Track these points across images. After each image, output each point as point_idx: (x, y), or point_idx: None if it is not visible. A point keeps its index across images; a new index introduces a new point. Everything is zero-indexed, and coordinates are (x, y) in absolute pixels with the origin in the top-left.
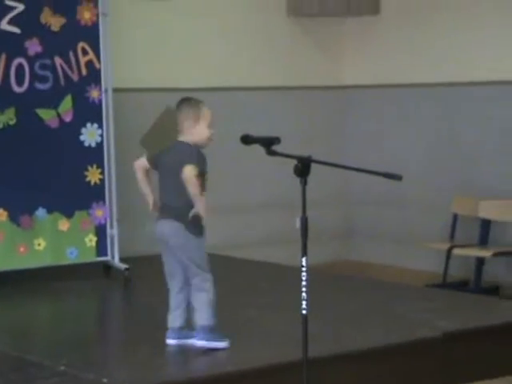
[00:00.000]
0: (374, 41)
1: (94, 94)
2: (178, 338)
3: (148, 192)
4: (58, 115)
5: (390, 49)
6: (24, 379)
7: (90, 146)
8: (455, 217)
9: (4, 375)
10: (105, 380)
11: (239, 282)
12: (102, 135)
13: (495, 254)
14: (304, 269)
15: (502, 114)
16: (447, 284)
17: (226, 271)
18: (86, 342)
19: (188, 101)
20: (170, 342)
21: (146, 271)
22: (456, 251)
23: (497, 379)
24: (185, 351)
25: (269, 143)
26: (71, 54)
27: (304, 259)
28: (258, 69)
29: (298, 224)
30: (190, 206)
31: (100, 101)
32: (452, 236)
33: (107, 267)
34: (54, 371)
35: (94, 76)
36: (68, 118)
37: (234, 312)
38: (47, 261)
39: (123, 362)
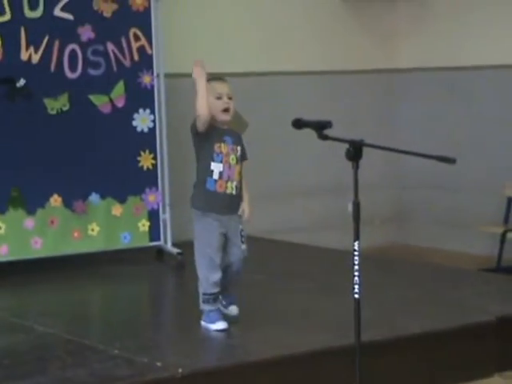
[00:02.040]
0: (426, 23)
1: (146, 79)
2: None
3: None
4: (111, 101)
5: (441, 31)
6: (79, 363)
7: (142, 132)
8: (509, 200)
9: (60, 358)
10: (158, 364)
11: (291, 266)
12: (154, 120)
13: None
14: (356, 253)
15: None
16: (501, 268)
17: (278, 256)
18: (139, 326)
19: None
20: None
21: None
22: (510, 235)
23: None
24: (238, 335)
25: (320, 127)
26: (123, 39)
27: (356, 243)
28: (310, 53)
29: (350, 208)
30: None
31: (152, 86)
32: (506, 219)
33: (160, 252)
34: (108, 355)
35: (145, 61)
36: (120, 104)
37: (285, 296)
38: (101, 246)
39: (176, 346)
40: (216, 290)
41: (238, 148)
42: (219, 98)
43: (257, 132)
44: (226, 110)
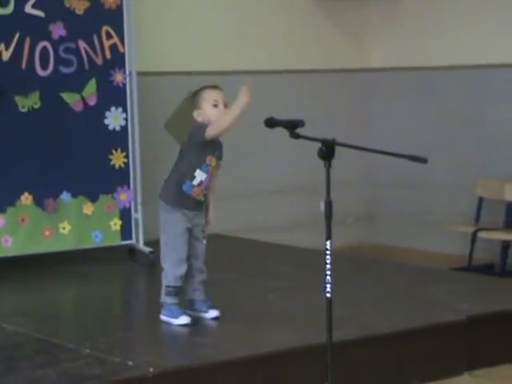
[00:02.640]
0: (398, 23)
1: (118, 77)
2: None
3: None
4: (83, 99)
5: (413, 31)
6: (49, 362)
7: (114, 130)
8: (480, 200)
9: (30, 358)
10: (130, 363)
11: (263, 265)
12: (126, 119)
13: None
14: (328, 252)
15: None
16: (472, 267)
17: (249, 255)
18: (110, 325)
19: (191, 95)
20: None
21: None
22: (481, 234)
23: None
24: (209, 334)
25: (293, 126)
26: (95, 37)
27: (328, 242)
28: (283, 52)
29: (322, 207)
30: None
31: (124, 84)
32: (477, 219)
33: (132, 251)
34: (79, 354)
35: (118, 59)
36: (92, 102)
37: (256, 295)
38: (72, 244)
39: (148, 345)
40: (180, 283)
41: (220, 162)
42: (215, 105)
43: (230, 131)
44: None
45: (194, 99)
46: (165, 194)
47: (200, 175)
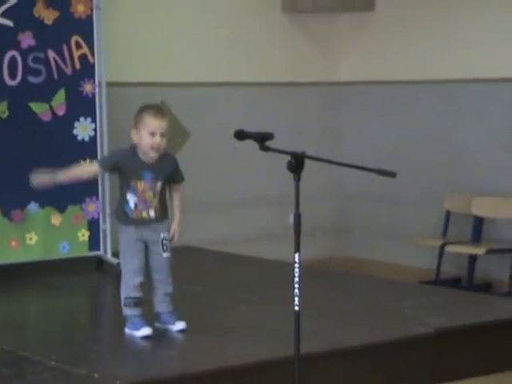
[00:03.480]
0: (369, 37)
1: (87, 87)
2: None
3: None
4: (51, 109)
5: (384, 45)
6: (15, 374)
7: (83, 140)
8: (448, 214)
9: None
10: (96, 375)
11: (230, 277)
12: (95, 129)
13: (488, 251)
14: (297, 265)
15: (495, 111)
16: (440, 281)
17: (217, 266)
18: (77, 337)
19: (140, 108)
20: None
21: None
22: (449, 248)
23: (488, 376)
24: (177, 347)
25: (262, 139)
26: (65, 47)
27: (297, 255)
28: (252, 64)
29: (291, 220)
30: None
31: (93, 95)
32: (445, 233)
33: (100, 262)
34: (44, 366)
35: (87, 70)
36: (61, 112)
37: (224, 308)
38: (39, 255)
39: (114, 357)
40: (138, 294)
41: (158, 183)
42: (152, 134)
43: (199, 143)
44: (155, 149)
45: (135, 116)
46: (116, 213)
47: (132, 198)
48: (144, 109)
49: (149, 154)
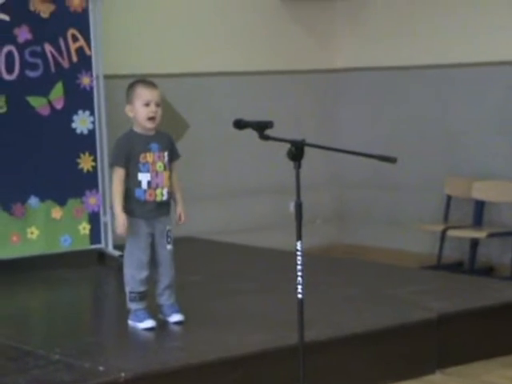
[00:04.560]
0: (365, 24)
1: (85, 80)
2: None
3: None
4: (49, 103)
5: (380, 31)
6: (19, 368)
7: (82, 134)
8: (449, 198)
9: (0, 364)
10: (101, 368)
11: (231, 267)
12: (93, 122)
13: (489, 235)
14: (299, 253)
15: (494, 94)
16: (442, 265)
17: (217, 256)
18: (80, 330)
19: (130, 84)
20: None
21: None
22: (450, 232)
23: (491, 360)
24: (179, 338)
25: (262, 127)
26: (61, 40)
27: (299, 243)
28: (249, 53)
29: (291, 208)
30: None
31: (91, 88)
32: (446, 217)
33: (101, 255)
34: (48, 360)
35: (84, 63)
36: (59, 106)
37: (226, 297)
38: (40, 249)
39: (119, 349)
40: (143, 288)
41: (165, 154)
42: (147, 104)
43: (199, 133)
44: (151, 119)
45: (127, 92)
46: (124, 207)
47: (144, 177)
48: (135, 82)
49: (146, 126)
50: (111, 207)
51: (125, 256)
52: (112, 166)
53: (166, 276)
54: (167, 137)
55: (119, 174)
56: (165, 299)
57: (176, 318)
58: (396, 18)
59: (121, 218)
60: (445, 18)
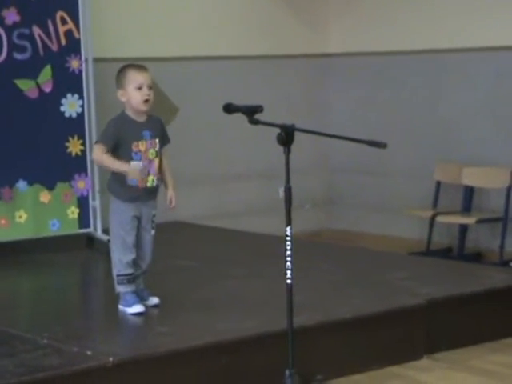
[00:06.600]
0: (357, 8)
1: (73, 64)
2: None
3: None
4: (38, 86)
5: (372, 17)
6: (7, 353)
7: (70, 117)
8: (438, 184)
9: None
10: (89, 352)
11: (220, 251)
12: (82, 106)
13: (478, 221)
14: (288, 238)
15: (484, 80)
16: (431, 251)
17: (208, 241)
18: (68, 314)
19: (120, 68)
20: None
21: None
22: (439, 218)
23: (479, 345)
24: (168, 323)
25: (251, 112)
26: (50, 23)
27: (288, 228)
28: (241, 38)
29: (281, 193)
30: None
31: (80, 71)
32: (435, 203)
33: (90, 239)
34: (36, 344)
35: (73, 46)
36: (48, 89)
37: (215, 282)
38: (29, 233)
39: (107, 334)
40: (130, 270)
41: (157, 140)
42: (139, 88)
43: (188, 117)
44: (145, 101)
45: (118, 77)
46: (112, 187)
47: (136, 165)
48: (125, 67)
49: (141, 109)
50: (100, 191)
51: (111, 239)
52: (97, 142)
53: (144, 261)
54: (159, 122)
55: (101, 148)
56: (138, 283)
57: (154, 301)
58: (387, 3)
59: (126, 167)
60: (436, 3)
